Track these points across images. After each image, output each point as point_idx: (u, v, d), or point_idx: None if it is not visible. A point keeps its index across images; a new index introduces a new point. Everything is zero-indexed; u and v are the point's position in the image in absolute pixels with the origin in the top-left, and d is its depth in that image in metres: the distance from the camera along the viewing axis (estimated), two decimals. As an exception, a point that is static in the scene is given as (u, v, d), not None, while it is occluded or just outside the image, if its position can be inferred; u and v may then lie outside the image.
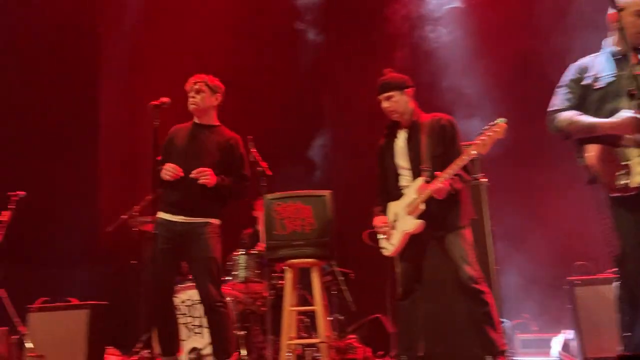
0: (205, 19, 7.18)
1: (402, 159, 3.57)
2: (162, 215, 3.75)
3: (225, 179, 3.84)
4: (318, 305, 4.24)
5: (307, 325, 5.19)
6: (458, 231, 3.43)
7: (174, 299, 3.94)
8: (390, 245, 3.60)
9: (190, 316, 4.54)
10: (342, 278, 5.28)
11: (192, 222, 3.72)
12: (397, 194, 3.58)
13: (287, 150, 6.92)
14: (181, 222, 3.71)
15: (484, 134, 3.21)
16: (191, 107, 3.84)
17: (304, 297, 5.08)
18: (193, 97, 3.84)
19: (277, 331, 4.63)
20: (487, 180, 4.47)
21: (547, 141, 5.95)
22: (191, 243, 3.68)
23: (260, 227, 5.70)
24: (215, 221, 3.81)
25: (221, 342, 3.64)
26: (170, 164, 3.69)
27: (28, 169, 6.45)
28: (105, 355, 4.89)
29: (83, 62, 7.27)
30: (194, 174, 3.67)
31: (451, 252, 3.40)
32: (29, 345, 4.71)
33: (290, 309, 4.30)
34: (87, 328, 4.70)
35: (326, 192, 4.41)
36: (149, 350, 4.48)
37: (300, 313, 4.96)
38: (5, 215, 5.11)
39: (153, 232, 3.74)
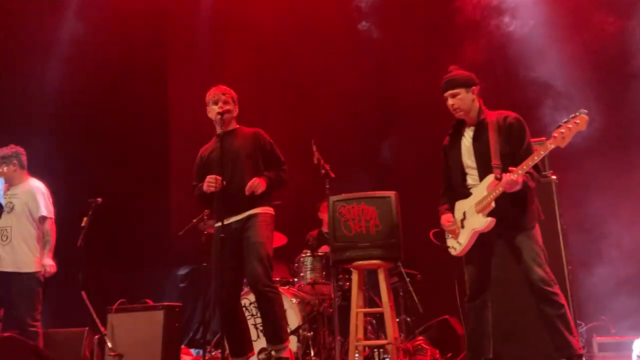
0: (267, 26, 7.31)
1: (468, 157, 3.50)
2: (217, 225, 3.82)
3: (269, 174, 3.93)
4: (386, 306, 4.23)
5: (375, 326, 5.19)
6: (528, 232, 3.35)
7: (243, 300, 4.01)
8: (457, 244, 3.54)
9: (259, 317, 4.62)
10: (409, 279, 5.24)
11: (244, 217, 3.77)
12: (464, 193, 3.51)
13: (350, 152, 6.94)
14: (235, 221, 3.76)
15: (563, 127, 3.09)
16: (226, 115, 3.93)
17: (371, 299, 5.08)
18: (222, 107, 3.95)
19: (344, 332, 4.66)
20: (556, 178, 4.32)
21: (633, 131, 5.71)
22: (244, 232, 3.75)
23: (326, 229, 5.75)
24: (266, 209, 3.85)
25: (272, 328, 3.63)
26: (210, 176, 3.80)
27: (105, 178, 6.79)
28: (180, 355, 5.06)
29: (153, 75, 7.58)
30: (247, 191, 3.77)
31: (521, 253, 3.31)
32: (109, 344, 4.93)
33: (357, 311, 4.31)
34: (163, 328, 4.87)
35: (391, 193, 4.40)
36: (221, 351, 4.61)
37: (367, 314, 4.96)
38: (85, 221, 5.37)
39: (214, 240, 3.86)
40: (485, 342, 3.44)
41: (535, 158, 3.19)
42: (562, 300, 3.25)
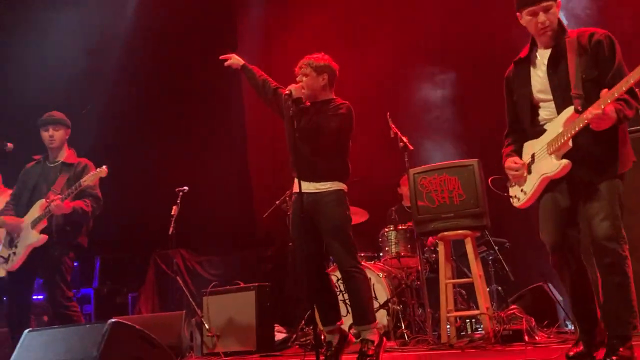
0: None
1: (541, 87, 2.87)
2: (295, 188, 3.71)
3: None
4: (475, 276, 4.17)
5: (465, 297, 5.13)
6: (614, 180, 2.71)
7: (332, 276, 4.02)
8: (522, 193, 2.93)
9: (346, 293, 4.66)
10: (497, 247, 5.13)
11: (317, 192, 3.66)
12: (534, 131, 2.89)
13: (426, 122, 6.82)
14: (307, 193, 3.66)
15: None
16: (303, 91, 3.72)
17: (460, 269, 5.01)
18: (300, 80, 3.76)
19: (434, 304, 4.64)
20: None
21: None
22: (318, 213, 3.64)
23: (407, 203, 5.71)
24: (339, 186, 3.69)
25: (359, 308, 3.58)
26: None
27: (191, 167, 7.06)
28: (275, 332, 5.21)
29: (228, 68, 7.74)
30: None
31: (595, 202, 2.68)
32: (206, 325, 5.16)
33: (446, 282, 4.27)
34: (255, 308, 5.03)
35: (473, 161, 4.30)
36: (312, 327, 4.71)
37: (457, 285, 4.91)
38: (174, 210, 5.61)
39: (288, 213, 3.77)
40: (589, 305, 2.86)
41: (629, 80, 2.47)
42: (627, 268, 2.64)
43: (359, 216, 5.45)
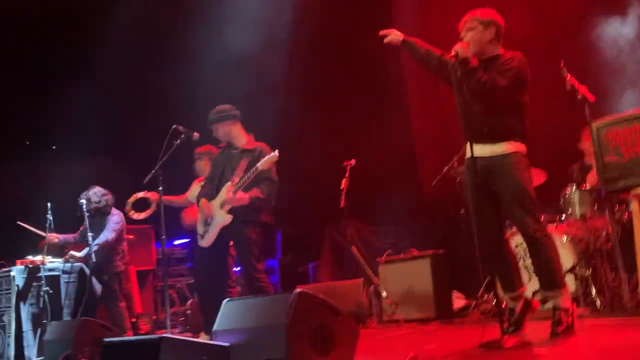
0: None
1: None
2: (467, 152, 3.55)
3: None
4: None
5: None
6: None
7: (511, 241, 3.86)
8: None
9: (528, 258, 4.45)
10: None
11: (493, 156, 3.46)
12: None
13: (610, 68, 6.14)
14: (481, 157, 3.47)
15: None
16: (469, 49, 3.47)
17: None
18: (464, 37, 3.52)
19: (628, 268, 4.23)
20: None
21: None
22: (496, 178, 3.45)
23: (590, 159, 5.23)
24: (517, 147, 3.44)
25: (548, 273, 3.40)
26: None
27: (356, 141, 7.19)
28: (452, 299, 5.16)
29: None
30: None
31: None
32: (383, 294, 5.27)
33: (642, 243, 3.86)
34: (432, 275, 5.02)
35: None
36: (492, 294, 4.57)
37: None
38: (344, 183, 5.77)
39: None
40: None
41: None
42: None
43: (537, 177, 5.12)
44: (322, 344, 2.79)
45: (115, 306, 5.67)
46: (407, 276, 5.23)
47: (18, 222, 5.63)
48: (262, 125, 5.24)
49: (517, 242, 4.58)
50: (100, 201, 5.67)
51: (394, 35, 3.69)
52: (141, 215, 5.53)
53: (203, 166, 5.60)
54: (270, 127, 6.08)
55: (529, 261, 4.42)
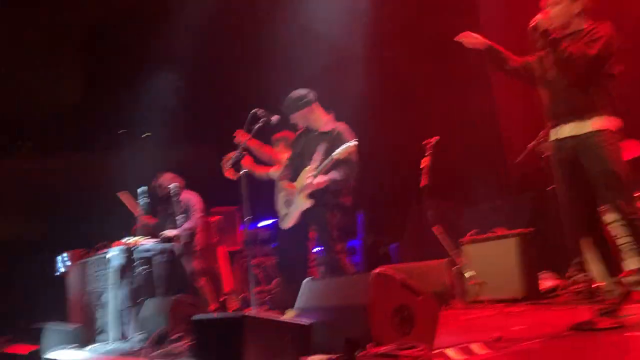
0: None
1: None
2: (552, 130, 3.38)
3: None
4: None
5: None
6: None
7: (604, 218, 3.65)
8: None
9: (622, 237, 4.20)
10: None
11: (580, 134, 3.25)
12: None
13: None
14: (569, 136, 3.28)
15: None
16: (551, 21, 3.27)
17: None
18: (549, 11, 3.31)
19: None
20: None
21: None
22: (584, 157, 3.24)
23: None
24: (606, 122, 3.21)
25: None
26: None
27: (438, 119, 7.04)
28: (540, 280, 4.98)
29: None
30: None
31: None
32: (468, 274, 5.16)
33: None
34: (518, 255, 4.85)
35: None
36: (583, 274, 4.37)
37: None
38: (426, 161, 5.67)
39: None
40: None
41: None
42: None
43: (633, 149, 4.80)
44: (403, 324, 2.78)
45: (197, 283, 6.00)
46: (492, 256, 5.08)
47: (117, 193, 5.96)
48: (342, 103, 5.22)
49: (607, 220, 4.33)
50: (171, 187, 5.98)
51: (476, 39, 3.57)
52: (237, 176, 5.56)
53: (280, 152, 5.70)
54: (350, 105, 6.07)
55: (623, 239, 4.18)
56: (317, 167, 4.45)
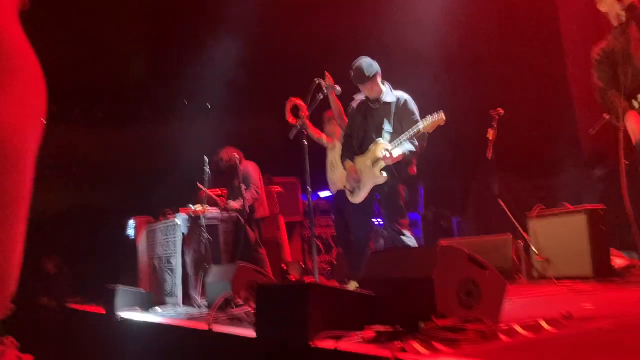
0: None
1: None
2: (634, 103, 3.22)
3: None
4: None
5: None
6: None
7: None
8: None
9: None
10: None
11: None
12: None
13: None
14: None
15: None
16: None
17: None
18: None
19: None
20: None
21: None
22: None
23: None
24: None
25: None
26: None
27: (506, 89, 6.80)
28: (611, 257, 4.78)
29: None
30: None
31: None
32: (534, 250, 5.01)
33: None
34: (588, 232, 4.66)
35: None
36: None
37: None
38: (491, 134, 5.50)
39: None
40: None
41: None
42: None
43: None
44: (468, 298, 2.73)
45: (256, 252, 6.14)
46: (560, 232, 4.91)
47: (197, 183, 6.14)
48: (399, 72, 5.14)
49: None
50: (230, 159, 6.10)
51: None
52: (297, 122, 5.56)
53: (332, 129, 5.71)
54: (409, 74, 5.95)
55: None
56: (395, 141, 4.36)
